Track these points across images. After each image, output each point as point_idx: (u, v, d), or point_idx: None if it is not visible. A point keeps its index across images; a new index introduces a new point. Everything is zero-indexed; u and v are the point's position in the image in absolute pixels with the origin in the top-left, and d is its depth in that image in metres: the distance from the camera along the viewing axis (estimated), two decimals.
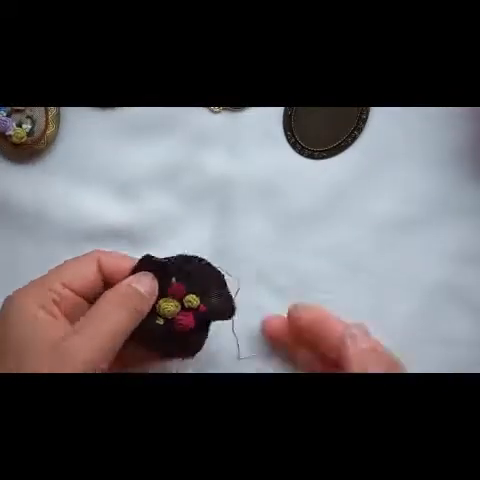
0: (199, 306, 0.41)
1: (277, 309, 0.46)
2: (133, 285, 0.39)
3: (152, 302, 0.40)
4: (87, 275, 0.40)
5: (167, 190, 0.48)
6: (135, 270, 0.40)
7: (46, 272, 0.40)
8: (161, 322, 0.40)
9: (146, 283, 0.39)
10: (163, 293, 0.40)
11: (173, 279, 0.40)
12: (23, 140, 0.46)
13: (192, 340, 0.41)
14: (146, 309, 0.39)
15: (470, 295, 0.48)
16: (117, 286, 0.39)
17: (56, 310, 0.38)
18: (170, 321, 0.40)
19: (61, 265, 0.40)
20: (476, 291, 0.48)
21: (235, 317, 0.41)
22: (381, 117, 0.47)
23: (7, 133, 0.46)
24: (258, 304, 0.47)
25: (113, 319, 0.37)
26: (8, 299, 0.38)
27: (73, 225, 0.47)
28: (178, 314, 0.40)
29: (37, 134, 0.46)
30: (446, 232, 0.48)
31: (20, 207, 0.47)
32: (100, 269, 0.40)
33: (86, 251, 0.41)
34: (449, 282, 0.48)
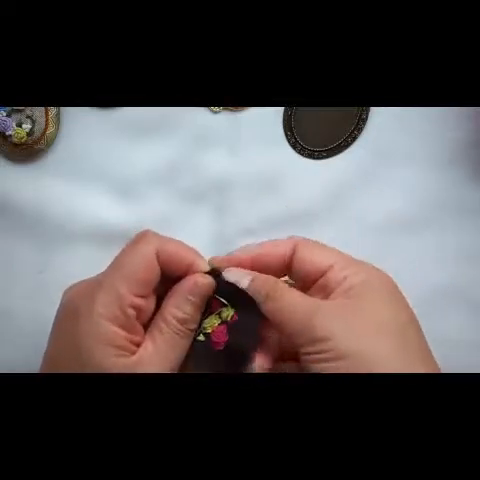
0: (233, 316, 0.39)
1: None
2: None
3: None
4: (150, 277, 0.38)
5: (167, 190, 0.48)
6: None
7: (108, 275, 0.38)
8: (202, 338, 0.39)
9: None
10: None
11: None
12: (23, 140, 0.46)
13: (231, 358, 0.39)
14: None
15: (470, 295, 0.48)
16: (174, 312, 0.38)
17: (131, 321, 0.37)
18: (209, 335, 0.39)
19: (124, 268, 0.38)
20: (476, 291, 0.48)
21: None
22: (381, 117, 0.47)
23: (7, 133, 0.46)
24: None
25: (179, 349, 0.38)
26: (73, 304, 0.38)
27: (73, 225, 0.47)
28: (216, 328, 0.39)
29: (37, 134, 0.46)
30: (446, 232, 0.48)
31: (20, 207, 0.47)
32: (158, 260, 0.38)
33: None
34: (449, 282, 0.48)
